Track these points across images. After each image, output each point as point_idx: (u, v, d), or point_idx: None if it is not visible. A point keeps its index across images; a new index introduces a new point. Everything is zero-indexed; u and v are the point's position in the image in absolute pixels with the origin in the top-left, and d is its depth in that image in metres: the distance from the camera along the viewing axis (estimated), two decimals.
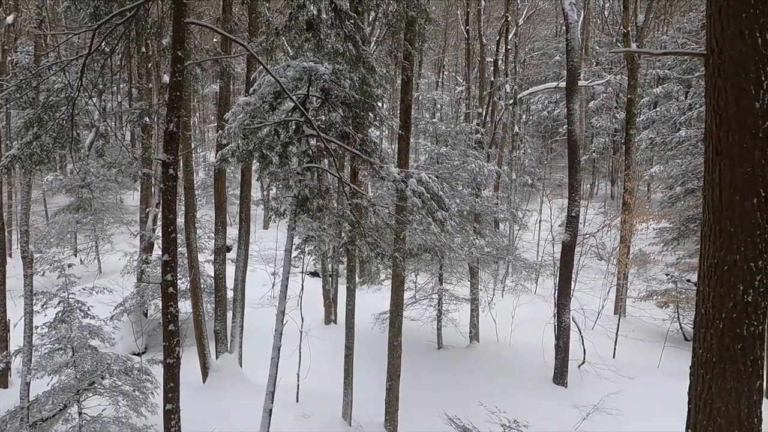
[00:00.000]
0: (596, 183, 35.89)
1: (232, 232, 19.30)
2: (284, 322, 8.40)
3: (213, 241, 14.07)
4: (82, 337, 9.43)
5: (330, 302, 17.78)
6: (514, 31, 25.51)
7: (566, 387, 13.48)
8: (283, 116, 8.12)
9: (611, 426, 11.33)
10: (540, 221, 24.90)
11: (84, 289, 9.91)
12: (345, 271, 13.34)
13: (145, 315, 16.55)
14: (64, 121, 7.61)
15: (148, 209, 17.33)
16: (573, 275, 14.37)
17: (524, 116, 37.29)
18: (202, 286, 13.98)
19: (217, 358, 13.00)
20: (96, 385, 9.44)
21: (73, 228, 21.80)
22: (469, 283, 16.68)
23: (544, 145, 37.68)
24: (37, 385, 9.91)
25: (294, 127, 8.05)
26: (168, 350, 6.91)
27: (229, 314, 13.48)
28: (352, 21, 8.13)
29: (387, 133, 30.15)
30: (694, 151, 17.93)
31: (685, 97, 28.80)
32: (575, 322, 14.32)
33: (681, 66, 28.45)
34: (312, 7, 8.02)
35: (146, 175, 17.30)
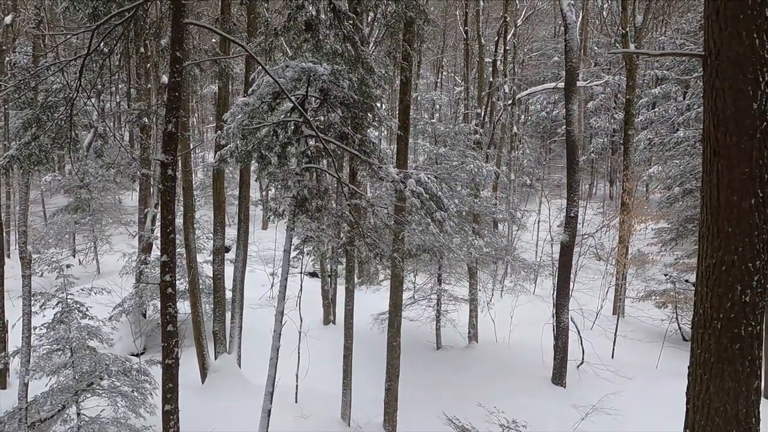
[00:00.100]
0: (595, 183, 35.94)
1: (231, 233, 19.31)
2: (283, 323, 8.40)
3: (212, 241, 14.07)
4: (81, 338, 9.42)
5: (329, 303, 17.77)
6: (512, 31, 25.53)
7: (565, 387, 13.49)
8: (282, 117, 8.12)
9: (610, 426, 11.34)
10: (539, 222, 24.91)
11: (82, 290, 9.90)
12: (344, 271, 13.34)
13: (144, 316, 16.54)
14: (63, 122, 7.60)
15: (146, 210, 17.33)
16: (572, 275, 14.38)
17: (523, 117, 37.34)
18: (200, 286, 13.97)
19: (215, 358, 12.99)
20: (94, 385, 9.43)
21: (72, 228, 21.77)
22: (467, 283, 16.69)
23: (543, 146, 37.73)
24: (36, 386, 9.90)
25: (293, 127, 8.05)
26: (167, 351, 6.90)
27: (228, 315, 13.47)
28: (350, 22, 8.14)
29: (386, 133, 30.16)
30: (692, 152, 17.96)
31: (684, 98, 28.85)
32: (574, 322, 14.34)
33: (679, 67, 28.51)
34: (311, 8, 8.03)
35: (145, 176, 17.28)
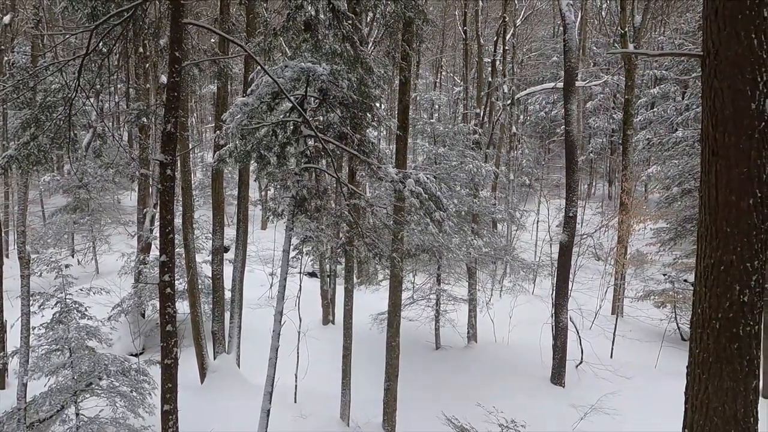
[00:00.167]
0: (594, 183, 35.97)
1: (230, 233, 19.29)
2: (282, 323, 8.40)
3: (211, 241, 14.06)
4: (80, 338, 9.41)
5: (328, 303, 17.77)
6: (511, 31, 25.55)
7: (564, 387, 13.51)
8: (281, 117, 8.12)
9: (609, 426, 11.35)
10: (537, 221, 24.92)
11: (81, 290, 9.89)
12: (343, 271, 13.34)
13: (143, 316, 16.53)
14: (62, 122, 7.59)
15: (145, 210, 17.32)
16: (570, 275, 14.39)
17: (522, 117, 37.37)
18: (199, 286, 13.97)
19: (214, 358, 12.99)
20: (93, 386, 9.42)
21: (71, 228, 21.75)
22: (467, 283, 16.70)
23: (542, 146, 37.75)
24: (35, 386, 9.89)
25: (292, 127, 8.05)
26: (166, 351, 6.90)
27: (227, 315, 13.46)
28: (349, 22, 8.14)
29: (385, 133, 30.15)
30: (690, 152, 17.98)
31: (682, 98, 28.88)
32: (573, 322, 14.35)
33: (678, 67, 28.56)
34: (310, 8, 8.03)
35: (144, 176, 17.28)
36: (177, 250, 11.57)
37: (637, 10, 20.86)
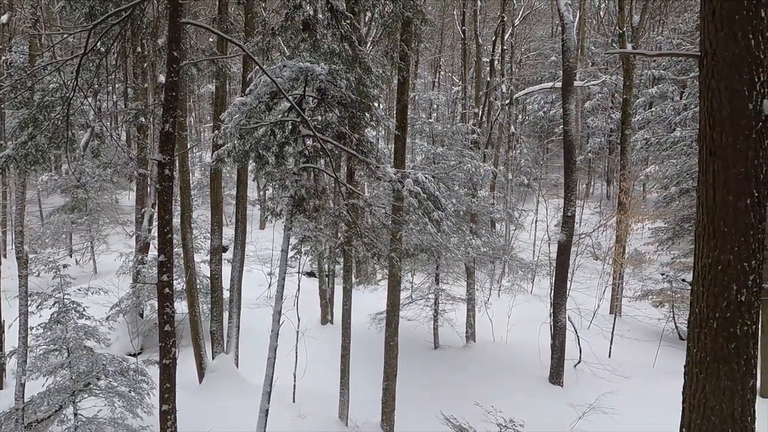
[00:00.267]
0: (592, 183, 36.00)
1: (229, 233, 19.24)
2: (281, 323, 8.40)
3: (209, 241, 14.05)
4: (78, 338, 9.39)
5: (326, 302, 17.77)
6: (510, 31, 25.57)
7: (562, 386, 13.52)
8: (280, 116, 8.11)
9: (607, 425, 11.37)
10: (536, 221, 24.93)
11: (79, 290, 9.87)
12: (341, 271, 13.35)
13: (141, 316, 16.51)
14: (59, 122, 7.58)
15: (143, 209, 17.30)
16: (569, 275, 14.41)
17: (520, 116, 37.39)
18: (198, 286, 13.95)
19: (213, 358, 12.98)
20: (91, 386, 9.41)
21: (69, 228, 21.71)
22: (465, 283, 16.70)
23: (540, 145, 37.79)
24: (33, 387, 9.87)
25: (290, 127, 8.05)
26: (164, 351, 6.90)
27: (226, 314, 13.45)
28: (348, 21, 8.14)
29: (383, 133, 30.15)
30: (688, 152, 18.00)
31: (680, 98, 28.94)
32: (571, 321, 14.36)
33: (676, 67, 28.60)
34: (308, 8, 8.03)
35: (142, 176, 17.25)
36: (175, 249, 11.57)
37: (635, 10, 20.87)
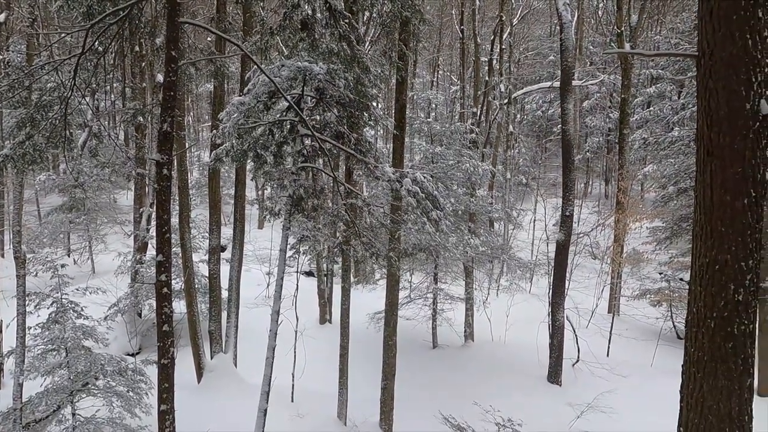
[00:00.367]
0: (590, 182, 36.04)
1: (227, 232, 19.27)
2: (279, 322, 8.40)
3: (207, 241, 14.04)
4: (76, 338, 9.38)
5: (325, 302, 17.77)
6: (508, 30, 25.59)
7: (560, 385, 13.54)
8: (278, 116, 8.11)
9: (605, 424, 11.40)
10: (534, 220, 24.96)
11: (77, 290, 9.87)
12: (340, 270, 13.34)
13: (139, 315, 16.49)
14: (57, 121, 7.57)
15: (142, 209, 17.26)
16: (567, 274, 14.43)
17: (519, 116, 37.42)
18: (196, 286, 13.94)
19: (211, 358, 12.98)
20: (90, 386, 9.39)
21: (66, 228, 21.67)
22: (463, 282, 16.72)
23: (539, 145, 37.81)
24: (31, 386, 9.84)
25: (289, 126, 8.04)
26: (162, 351, 6.89)
27: (224, 314, 13.45)
28: (346, 21, 8.14)
29: (382, 132, 30.16)
30: (686, 151, 18.03)
31: (678, 97, 28.97)
32: (569, 320, 14.38)
33: (674, 66, 28.64)
34: (306, 7, 8.02)
35: (140, 175, 17.23)
36: (174, 249, 11.60)
37: (634, 10, 20.90)
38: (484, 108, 22.78)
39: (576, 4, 27.57)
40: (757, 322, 4.08)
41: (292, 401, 12.29)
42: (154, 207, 7.54)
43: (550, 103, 37.22)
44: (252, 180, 27.20)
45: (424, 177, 7.87)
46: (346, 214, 8.90)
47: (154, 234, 7.08)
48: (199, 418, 10.34)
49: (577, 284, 19.41)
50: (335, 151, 8.87)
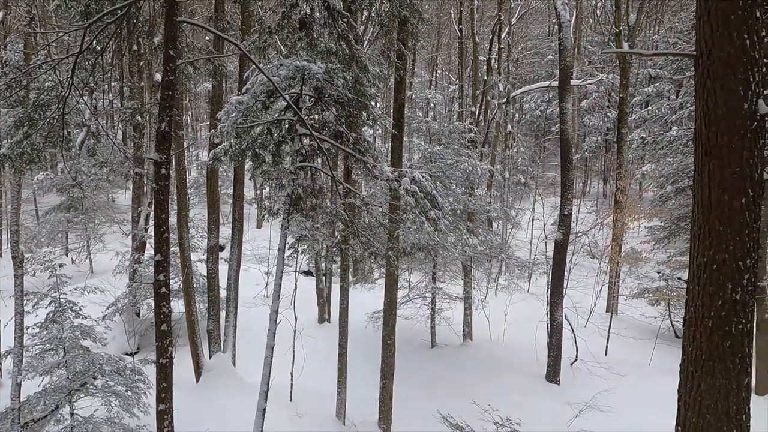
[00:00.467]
0: (588, 181, 36.08)
1: (225, 231, 19.23)
2: (278, 322, 8.40)
3: (206, 240, 14.02)
4: (74, 338, 9.37)
5: (323, 301, 17.77)
6: (507, 30, 25.59)
7: (559, 384, 13.56)
8: (276, 115, 8.10)
9: (603, 423, 11.42)
10: (533, 220, 24.99)
11: (75, 289, 9.84)
12: (338, 270, 13.34)
13: (138, 315, 16.48)
14: (55, 120, 7.55)
15: (140, 208, 17.25)
16: (565, 273, 14.45)
17: (517, 115, 37.42)
18: (195, 285, 13.93)
19: (210, 357, 12.97)
20: (88, 385, 9.39)
21: (64, 227, 21.63)
22: (462, 281, 16.73)
23: (537, 144, 37.81)
24: (29, 386, 9.84)
25: (287, 126, 8.03)
26: (161, 350, 6.89)
27: (223, 314, 13.44)
28: (345, 20, 8.13)
29: (380, 132, 30.16)
30: (684, 150, 18.06)
31: (677, 96, 28.99)
32: (568, 320, 14.41)
33: (672, 65, 28.64)
34: (305, 6, 8.01)
35: (138, 175, 17.21)
36: (172, 249, 11.57)
37: (632, 9, 20.93)
38: (483, 107, 22.78)
39: (574, 4, 27.58)
40: (755, 321, 4.08)
41: (291, 400, 12.29)
42: (153, 206, 7.54)
43: (548, 103, 37.23)
44: (250, 179, 27.15)
45: (423, 176, 7.87)
46: (344, 214, 8.90)
47: (153, 233, 7.08)
48: (198, 417, 10.33)
49: (575, 283, 19.44)
50: (334, 151, 8.86)
